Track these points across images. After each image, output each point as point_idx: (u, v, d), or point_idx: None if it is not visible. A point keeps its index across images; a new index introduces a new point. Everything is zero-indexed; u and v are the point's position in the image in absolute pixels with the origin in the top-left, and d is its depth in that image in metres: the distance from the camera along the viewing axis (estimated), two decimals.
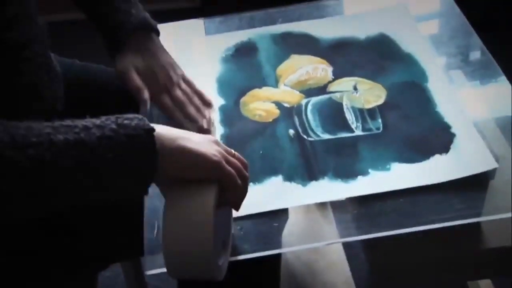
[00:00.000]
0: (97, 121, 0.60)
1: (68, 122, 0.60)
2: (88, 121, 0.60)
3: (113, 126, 0.60)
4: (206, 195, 0.60)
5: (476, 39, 0.94)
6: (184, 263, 0.60)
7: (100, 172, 0.58)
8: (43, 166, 0.56)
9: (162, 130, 0.61)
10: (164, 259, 0.61)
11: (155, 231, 0.72)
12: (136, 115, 0.61)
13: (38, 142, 0.57)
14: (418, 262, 0.77)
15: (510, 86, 0.86)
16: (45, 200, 0.59)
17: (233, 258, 0.68)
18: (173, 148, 0.60)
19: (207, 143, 0.63)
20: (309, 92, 0.87)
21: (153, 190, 0.76)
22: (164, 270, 0.68)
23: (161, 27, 1.00)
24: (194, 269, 0.61)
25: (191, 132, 0.64)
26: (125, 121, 0.60)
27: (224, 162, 0.62)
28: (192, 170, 0.61)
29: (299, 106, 0.85)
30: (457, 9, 0.98)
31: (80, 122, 0.60)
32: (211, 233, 0.59)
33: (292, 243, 0.73)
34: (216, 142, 0.64)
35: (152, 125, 0.60)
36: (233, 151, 0.65)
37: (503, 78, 0.87)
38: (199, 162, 0.61)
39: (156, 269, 0.68)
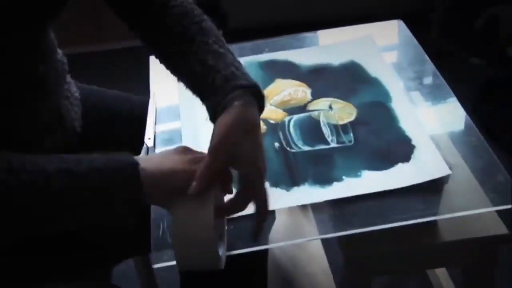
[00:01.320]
0: (89, 156, 0.58)
1: (62, 155, 0.57)
2: (81, 155, 0.58)
3: (103, 159, 0.57)
4: (206, 198, 0.59)
5: (430, 66, 0.94)
6: (192, 257, 0.60)
7: (87, 200, 0.56)
8: (34, 191, 0.54)
9: (145, 163, 0.59)
10: (175, 256, 0.60)
11: (160, 230, 0.71)
12: (124, 153, 0.59)
13: (32, 169, 0.54)
14: (385, 254, 0.76)
15: (459, 105, 0.86)
16: (34, 223, 0.56)
17: (227, 253, 0.67)
18: (155, 177, 0.58)
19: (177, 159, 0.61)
20: (291, 111, 0.87)
21: None
22: (169, 263, 0.67)
23: None
24: (200, 260, 0.60)
25: (167, 154, 0.62)
26: (114, 157, 0.58)
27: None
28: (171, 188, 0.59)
29: (282, 123, 0.85)
30: (414, 41, 0.99)
31: (74, 156, 0.58)
32: (211, 228, 0.58)
33: (278, 240, 0.72)
34: (183, 152, 0.62)
35: (136, 158, 0.58)
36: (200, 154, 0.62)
37: (454, 99, 0.87)
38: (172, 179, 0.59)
39: (162, 263, 0.68)
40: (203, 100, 0.67)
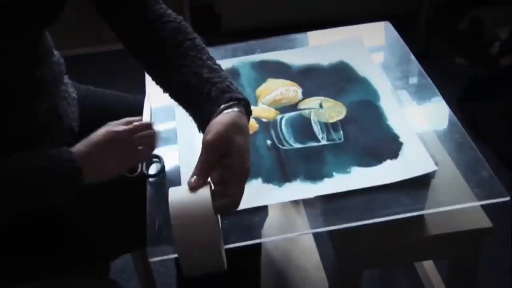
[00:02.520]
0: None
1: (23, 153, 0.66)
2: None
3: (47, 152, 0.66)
4: (203, 197, 0.59)
5: (417, 66, 0.94)
6: (198, 262, 0.59)
7: (29, 179, 0.64)
8: None
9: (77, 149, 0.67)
10: (181, 263, 0.59)
11: (156, 225, 0.71)
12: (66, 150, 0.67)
13: None
14: (374, 248, 0.76)
15: (445, 103, 0.87)
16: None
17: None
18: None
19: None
20: (283, 109, 0.87)
21: (154, 192, 0.75)
22: (165, 257, 0.67)
23: None
24: (206, 263, 0.59)
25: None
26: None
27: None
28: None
29: (274, 121, 0.85)
30: (401, 42, 0.99)
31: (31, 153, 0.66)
32: (215, 227, 0.57)
33: (271, 234, 0.73)
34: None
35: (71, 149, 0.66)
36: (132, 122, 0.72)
37: (440, 97, 0.88)
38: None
39: (158, 257, 0.67)
40: (195, 109, 0.69)
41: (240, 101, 0.66)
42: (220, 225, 0.67)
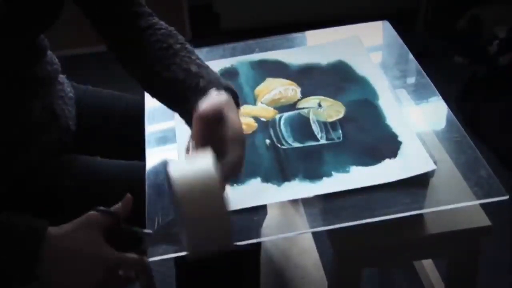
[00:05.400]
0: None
1: None
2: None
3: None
4: (206, 167, 0.54)
5: (415, 65, 0.94)
6: (205, 236, 0.54)
7: None
8: None
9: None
10: (186, 241, 0.55)
11: (155, 224, 0.71)
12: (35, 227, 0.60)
13: None
14: (373, 247, 0.76)
15: (443, 102, 0.87)
16: None
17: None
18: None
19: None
20: (281, 109, 0.87)
21: (154, 192, 0.75)
22: (164, 256, 0.67)
23: None
24: (214, 238, 0.55)
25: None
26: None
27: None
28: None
29: (273, 120, 0.85)
30: (400, 41, 0.99)
31: None
32: (223, 197, 0.54)
33: (270, 234, 0.72)
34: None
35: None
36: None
37: (438, 96, 0.88)
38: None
39: (157, 256, 0.67)
40: (184, 102, 0.67)
41: (229, 91, 0.65)
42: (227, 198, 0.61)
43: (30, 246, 0.58)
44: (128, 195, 0.66)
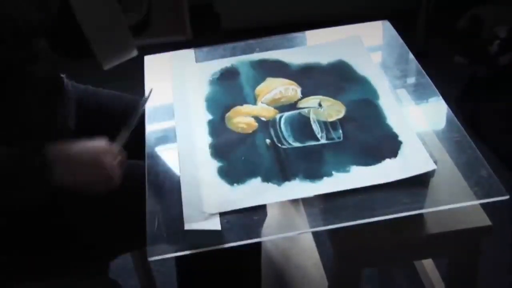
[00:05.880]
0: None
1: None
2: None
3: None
4: None
5: (416, 64, 0.94)
6: (109, 45, 0.61)
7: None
8: None
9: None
10: (96, 53, 0.62)
11: (156, 224, 0.71)
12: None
13: None
14: (373, 246, 0.76)
15: (444, 102, 0.87)
16: None
17: (221, 246, 0.67)
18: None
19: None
20: (282, 108, 0.87)
21: (154, 192, 0.75)
22: (165, 256, 0.67)
23: (160, 56, 1.00)
24: (117, 43, 0.61)
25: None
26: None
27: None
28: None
29: (274, 120, 0.85)
30: (400, 40, 0.99)
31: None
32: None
33: (270, 233, 0.72)
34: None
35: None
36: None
37: (439, 96, 0.88)
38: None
39: (157, 256, 0.67)
40: None
41: None
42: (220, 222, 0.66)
43: (40, 154, 0.67)
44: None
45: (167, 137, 0.84)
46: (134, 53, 0.62)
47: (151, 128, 0.85)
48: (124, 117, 0.90)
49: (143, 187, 0.75)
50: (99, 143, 0.73)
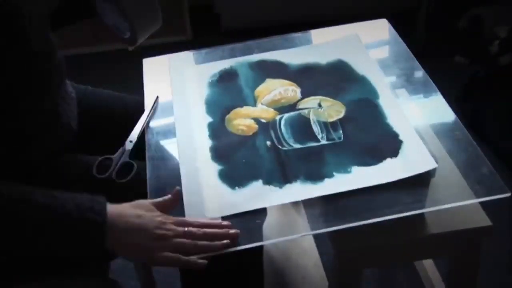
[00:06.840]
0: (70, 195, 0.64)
1: (51, 191, 0.64)
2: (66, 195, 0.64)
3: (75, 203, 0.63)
4: None
5: (415, 63, 0.94)
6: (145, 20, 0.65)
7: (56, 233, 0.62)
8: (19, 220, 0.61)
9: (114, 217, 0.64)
10: (132, 21, 0.64)
11: None
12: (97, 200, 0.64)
13: (23, 199, 0.61)
14: (374, 247, 0.76)
15: (444, 101, 0.87)
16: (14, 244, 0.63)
17: (224, 251, 0.66)
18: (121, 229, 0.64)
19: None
20: (281, 109, 0.86)
21: (154, 192, 0.75)
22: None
23: (160, 58, 1.00)
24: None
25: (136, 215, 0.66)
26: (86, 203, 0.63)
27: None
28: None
29: (274, 121, 0.84)
30: (399, 39, 0.99)
31: (61, 196, 0.64)
32: None
33: (272, 236, 0.72)
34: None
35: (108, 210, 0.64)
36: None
37: (439, 95, 0.87)
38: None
39: None
40: None
41: None
42: None
43: (94, 223, 0.63)
44: (177, 187, 0.70)
45: (167, 140, 0.84)
46: (160, 23, 0.65)
47: (152, 131, 0.85)
48: (125, 117, 0.90)
49: (144, 188, 0.75)
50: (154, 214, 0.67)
